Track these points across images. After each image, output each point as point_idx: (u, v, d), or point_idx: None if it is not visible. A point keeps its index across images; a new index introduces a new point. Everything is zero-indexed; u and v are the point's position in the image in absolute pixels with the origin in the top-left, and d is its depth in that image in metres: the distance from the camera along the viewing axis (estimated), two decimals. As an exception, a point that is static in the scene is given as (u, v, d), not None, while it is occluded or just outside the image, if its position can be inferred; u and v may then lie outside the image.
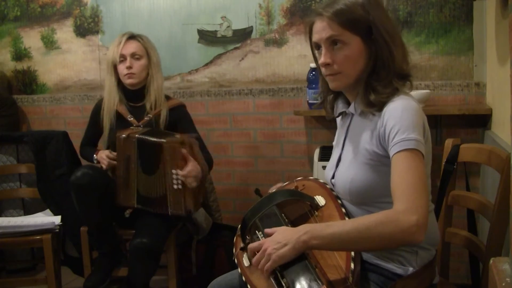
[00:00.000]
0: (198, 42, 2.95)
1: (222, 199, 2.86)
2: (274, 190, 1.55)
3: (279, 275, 1.16)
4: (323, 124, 2.77)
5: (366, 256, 1.32)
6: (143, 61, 2.33)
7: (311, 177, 1.54)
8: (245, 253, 1.32)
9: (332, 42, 1.27)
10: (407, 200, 1.12)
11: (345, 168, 1.36)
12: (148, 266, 2.16)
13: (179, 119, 2.40)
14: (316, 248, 1.16)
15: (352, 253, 1.18)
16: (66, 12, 3.17)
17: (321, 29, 1.28)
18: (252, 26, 2.84)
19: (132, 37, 2.35)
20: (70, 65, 3.21)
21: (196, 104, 2.98)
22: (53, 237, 2.35)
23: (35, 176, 2.69)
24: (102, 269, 2.32)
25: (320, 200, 1.36)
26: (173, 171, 2.13)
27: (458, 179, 1.68)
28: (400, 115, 1.21)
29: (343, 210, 1.31)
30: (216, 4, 2.89)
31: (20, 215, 2.79)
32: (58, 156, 2.71)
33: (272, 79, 2.84)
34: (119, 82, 2.36)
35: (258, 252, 1.18)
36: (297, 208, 1.37)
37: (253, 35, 2.84)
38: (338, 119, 1.50)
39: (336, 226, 1.15)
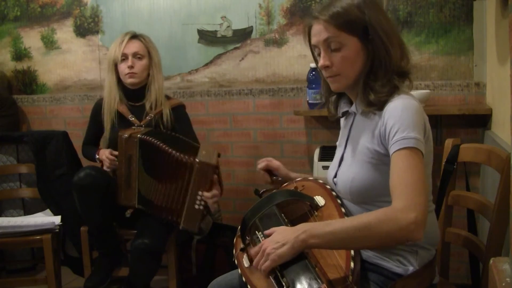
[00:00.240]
0: (198, 42, 2.95)
1: (222, 199, 2.85)
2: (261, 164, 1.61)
3: (279, 274, 1.16)
4: (323, 124, 2.77)
5: (366, 255, 1.32)
6: (144, 61, 2.33)
7: (311, 178, 1.54)
8: (245, 254, 1.32)
9: (330, 44, 1.29)
10: (405, 198, 1.12)
11: (347, 167, 1.36)
12: (150, 267, 2.17)
13: (178, 118, 2.40)
14: (315, 247, 1.16)
15: (352, 252, 1.18)
16: (66, 12, 3.17)
17: (318, 32, 1.30)
18: (252, 26, 2.84)
19: (134, 36, 2.36)
20: (70, 65, 3.21)
21: (196, 104, 2.98)
22: (53, 237, 2.36)
23: (35, 176, 2.69)
24: (102, 269, 2.32)
25: (320, 200, 1.36)
26: (199, 192, 2.11)
27: (458, 179, 1.68)
28: (401, 114, 1.21)
29: (343, 210, 1.31)
30: (216, 4, 2.89)
31: (20, 215, 2.80)
32: (58, 156, 2.71)
33: (272, 79, 2.84)
34: (119, 81, 2.36)
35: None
36: (297, 208, 1.38)
37: (253, 35, 2.84)
38: (342, 120, 1.50)
39: (335, 225, 1.15)
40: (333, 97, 1.46)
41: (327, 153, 2.49)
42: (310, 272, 1.12)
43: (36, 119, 3.32)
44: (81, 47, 3.17)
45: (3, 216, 2.79)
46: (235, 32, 2.88)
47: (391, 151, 1.20)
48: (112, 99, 2.35)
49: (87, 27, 3.15)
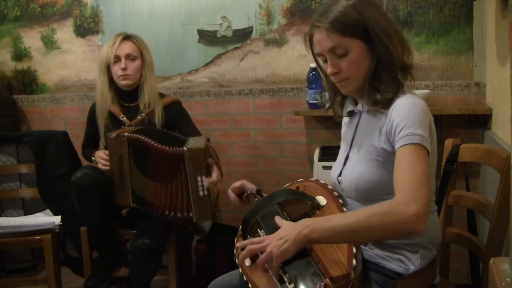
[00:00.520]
0: (198, 42, 2.95)
1: (222, 199, 2.85)
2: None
3: (281, 270, 1.16)
4: (323, 124, 2.77)
5: (367, 255, 1.32)
6: (137, 62, 2.33)
7: (312, 178, 1.55)
8: None
9: (335, 51, 1.29)
10: (407, 191, 1.13)
11: (352, 165, 1.37)
12: (150, 267, 2.17)
13: (176, 116, 2.39)
14: (317, 242, 1.16)
15: (354, 250, 1.19)
16: (66, 12, 3.17)
17: (321, 40, 1.30)
18: (252, 26, 2.84)
19: (126, 37, 2.35)
20: (70, 65, 3.21)
21: (196, 104, 2.98)
22: (53, 237, 2.35)
23: (35, 176, 2.69)
24: (102, 269, 2.32)
25: (321, 200, 1.37)
26: (199, 178, 2.11)
27: (458, 179, 1.68)
28: (407, 112, 1.23)
29: (345, 209, 1.32)
30: (216, 4, 2.89)
31: (20, 215, 2.79)
32: (58, 156, 2.71)
33: (272, 79, 2.84)
34: (112, 82, 2.36)
35: (260, 253, 1.17)
36: (299, 208, 1.38)
37: (253, 35, 2.84)
38: (345, 118, 1.51)
39: (336, 219, 1.16)
40: (339, 98, 1.47)
41: (327, 153, 2.49)
42: (313, 268, 1.13)
43: (36, 119, 3.32)
44: (81, 47, 3.17)
45: (3, 216, 2.79)
46: (235, 32, 2.88)
47: (396, 146, 1.21)
48: (104, 101, 2.35)
49: (87, 27, 3.15)
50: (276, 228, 1.22)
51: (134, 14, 3.04)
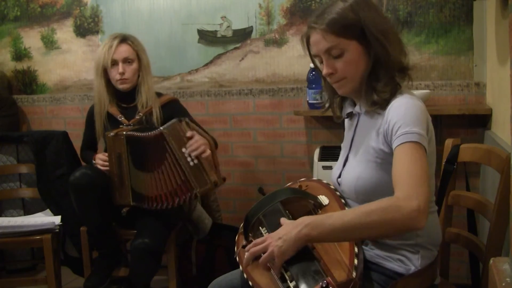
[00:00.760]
0: (198, 42, 2.95)
1: (222, 199, 2.86)
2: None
3: (283, 268, 1.16)
4: (323, 124, 2.77)
5: (368, 255, 1.32)
6: (134, 65, 2.34)
7: (314, 178, 1.55)
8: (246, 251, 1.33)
9: (331, 52, 1.29)
10: (407, 187, 1.12)
11: (352, 166, 1.37)
12: (150, 266, 2.17)
13: (174, 113, 2.39)
14: (318, 240, 1.16)
15: (356, 249, 1.19)
16: (66, 12, 3.17)
17: (317, 42, 1.30)
18: (252, 26, 2.84)
19: (123, 40, 2.34)
20: (70, 65, 3.21)
21: (196, 104, 2.98)
22: (53, 237, 2.35)
23: (35, 176, 2.69)
24: (102, 269, 2.32)
25: (324, 199, 1.37)
26: (183, 149, 2.11)
27: (458, 179, 1.68)
28: (404, 111, 1.23)
29: (347, 209, 1.31)
30: (216, 4, 2.89)
31: (20, 215, 2.79)
32: (58, 156, 2.71)
33: (272, 79, 2.84)
34: (109, 84, 2.37)
35: (263, 253, 1.17)
36: (301, 206, 1.38)
37: (253, 35, 2.84)
38: (346, 121, 1.51)
39: (337, 216, 1.15)
40: (338, 99, 1.47)
41: (327, 153, 2.49)
42: (315, 266, 1.13)
43: (36, 119, 3.32)
44: (81, 47, 3.17)
45: (3, 216, 2.79)
46: (235, 32, 2.88)
47: (394, 145, 1.21)
48: (102, 104, 2.36)
49: (87, 27, 3.15)
50: (278, 226, 1.23)
51: (134, 14, 3.04)
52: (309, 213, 1.35)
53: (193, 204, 2.44)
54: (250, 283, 1.23)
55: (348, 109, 1.45)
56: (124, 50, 2.31)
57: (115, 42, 2.31)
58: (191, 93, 2.99)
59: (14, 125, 3.16)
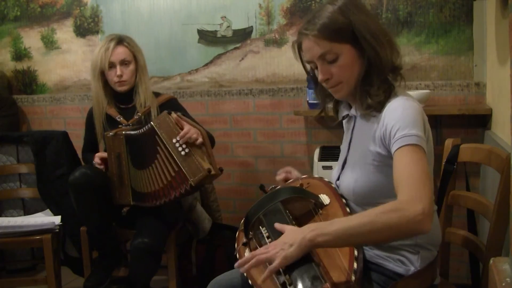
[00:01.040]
0: (198, 42, 2.95)
1: (222, 199, 2.86)
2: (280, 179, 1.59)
3: (281, 271, 1.16)
4: (323, 124, 2.77)
5: (368, 255, 1.32)
6: (132, 66, 2.34)
7: (316, 176, 1.54)
8: (247, 249, 1.33)
9: (325, 57, 1.29)
10: (411, 190, 1.11)
11: (350, 170, 1.37)
12: (149, 266, 2.17)
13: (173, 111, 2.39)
14: (323, 246, 1.15)
15: (355, 252, 1.18)
16: (66, 12, 3.17)
17: (310, 48, 1.30)
18: (252, 26, 2.84)
19: (119, 42, 2.33)
20: (70, 65, 3.21)
21: (196, 104, 2.98)
22: (53, 237, 2.35)
23: (35, 176, 2.69)
24: (102, 269, 2.32)
25: (325, 198, 1.37)
26: (174, 140, 2.10)
27: (458, 179, 1.68)
28: (401, 114, 1.22)
29: (347, 209, 1.31)
30: (216, 4, 2.89)
31: (20, 215, 2.79)
32: (58, 156, 2.71)
33: (272, 79, 2.84)
34: (106, 85, 2.37)
35: (268, 263, 1.15)
36: (302, 205, 1.38)
37: (253, 35, 2.84)
38: (344, 122, 1.50)
39: (341, 222, 1.15)
40: (331, 103, 1.47)
41: (327, 153, 2.49)
42: (314, 271, 1.12)
43: (36, 119, 3.32)
44: (81, 47, 3.17)
45: (3, 216, 2.79)
46: (235, 32, 2.88)
47: (393, 149, 1.20)
48: (100, 106, 2.37)
49: (87, 27, 3.15)
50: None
51: (134, 14, 3.04)
52: (310, 212, 1.35)
53: (193, 204, 2.44)
54: (250, 282, 1.23)
55: (344, 112, 1.44)
56: (121, 52, 2.31)
57: (112, 45, 2.30)
58: (191, 93, 2.99)
59: (14, 125, 3.16)
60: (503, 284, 0.85)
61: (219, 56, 2.92)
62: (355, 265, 1.16)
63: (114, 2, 3.07)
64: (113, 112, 2.38)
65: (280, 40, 2.80)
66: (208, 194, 2.62)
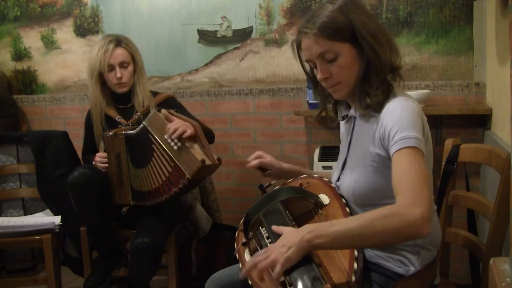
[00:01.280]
0: (198, 42, 2.95)
1: (222, 199, 2.86)
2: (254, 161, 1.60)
3: (282, 273, 1.16)
4: (323, 124, 2.77)
5: (368, 255, 1.32)
6: (130, 68, 2.34)
7: (316, 175, 1.54)
8: (246, 248, 1.33)
9: (324, 56, 1.28)
10: (409, 194, 1.11)
11: (349, 171, 1.37)
12: (150, 266, 2.16)
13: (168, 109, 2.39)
14: (321, 247, 1.15)
15: (355, 253, 1.18)
16: (66, 12, 3.17)
17: (310, 47, 1.30)
18: (252, 26, 2.84)
19: (118, 43, 2.32)
20: (70, 65, 3.21)
21: (196, 104, 2.98)
22: (53, 237, 2.35)
23: (35, 176, 2.69)
24: (102, 269, 2.32)
25: (325, 198, 1.36)
26: (166, 136, 2.10)
27: (458, 179, 1.68)
28: (399, 115, 1.21)
29: (347, 209, 1.31)
30: (216, 4, 2.89)
31: (20, 215, 2.79)
32: (58, 156, 2.71)
33: (272, 79, 2.84)
34: (104, 86, 2.36)
35: (271, 268, 1.15)
36: (301, 205, 1.38)
37: (253, 35, 2.84)
38: (342, 122, 1.50)
39: (340, 224, 1.14)
40: (331, 103, 1.46)
41: (327, 153, 2.49)
42: (314, 271, 1.12)
43: (36, 119, 3.32)
44: (81, 47, 3.17)
45: (3, 216, 2.79)
46: (235, 32, 2.88)
47: (391, 151, 1.20)
48: (98, 107, 2.36)
49: (87, 27, 3.15)
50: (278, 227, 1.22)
51: (134, 14, 3.04)
52: (309, 212, 1.35)
53: (193, 204, 2.44)
54: (250, 282, 1.23)
55: (343, 112, 1.44)
56: (120, 54, 2.30)
57: (111, 46, 2.28)
58: (191, 93, 2.99)
59: (14, 125, 3.16)
60: (503, 284, 0.85)
61: (219, 56, 2.93)
62: (355, 265, 1.15)
63: (114, 2, 3.07)
64: (112, 112, 2.38)
65: (280, 40, 2.80)
66: (208, 194, 2.62)
